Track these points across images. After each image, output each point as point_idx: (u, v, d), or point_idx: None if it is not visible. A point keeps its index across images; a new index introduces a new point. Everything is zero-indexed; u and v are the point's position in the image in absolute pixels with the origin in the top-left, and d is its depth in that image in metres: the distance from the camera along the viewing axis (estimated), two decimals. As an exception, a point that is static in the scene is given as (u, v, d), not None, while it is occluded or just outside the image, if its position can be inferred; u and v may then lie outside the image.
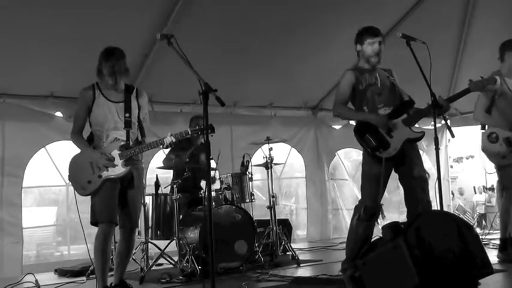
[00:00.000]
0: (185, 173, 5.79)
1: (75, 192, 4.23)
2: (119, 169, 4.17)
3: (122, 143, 4.22)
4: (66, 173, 4.30)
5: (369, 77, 4.33)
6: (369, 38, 4.31)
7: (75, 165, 4.26)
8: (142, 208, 5.37)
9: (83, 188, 4.17)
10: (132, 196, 4.31)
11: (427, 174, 4.32)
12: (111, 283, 4.32)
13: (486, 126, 5.36)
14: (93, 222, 4.20)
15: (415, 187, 4.19)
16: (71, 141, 4.34)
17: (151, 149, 4.31)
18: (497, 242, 5.79)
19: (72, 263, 6.33)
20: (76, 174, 4.23)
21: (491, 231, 7.64)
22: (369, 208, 4.20)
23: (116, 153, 4.19)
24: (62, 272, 5.98)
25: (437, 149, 3.89)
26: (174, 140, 4.21)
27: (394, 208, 9.00)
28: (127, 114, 4.25)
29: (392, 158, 4.14)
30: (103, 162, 4.13)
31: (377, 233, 4.29)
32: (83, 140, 4.27)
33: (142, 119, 4.41)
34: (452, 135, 3.95)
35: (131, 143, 4.27)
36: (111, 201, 4.16)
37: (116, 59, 4.14)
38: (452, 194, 11.37)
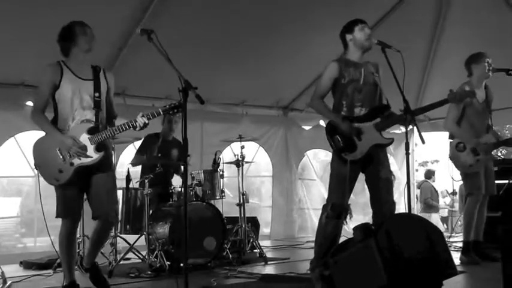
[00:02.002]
0: (157, 168, 5.79)
1: (39, 182, 4.01)
2: (91, 155, 3.91)
3: (91, 125, 3.96)
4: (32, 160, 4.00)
5: (353, 72, 4.37)
6: (358, 25, 4.41)
7: (41, 152, 3.95)
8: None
9: (56, 178, 3.89)
10: (104, 182, 4.03)
11: (392, 176, 4.45)
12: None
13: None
14: (58, 215, 4.02)
15: (381, 188, 4.29)
16: (40, 131, 4.02)
17: (123, 131, 3.98)
18: (460, 244, 5.96)
19: (38, 255, 6.21)
20: (44, 163, 3.93)
21: (453, 234, 7.86)
22: (336, 206, 4.28)
23: (85, 137, 3.93)
24: (27, 265, 5.89)
25: (407, 154, 3.96)
26: (146, 122, 3.96)
27: (360, 209, 9.15)
28: (96, 94, 3.99)
29: (358, 160, 4.24)
30: (74, 150, 3.85)
31: (345, 233, 4.40)
32: (47, 120, 3.95)
33: (110, 102, 4.20)
34: (423, 141, 4.05)
35: (100, 126, 4.01)
36: (75, 195, 3.98)
37: (88, 26, 4.02)
38: (417, 197, 11.60)
